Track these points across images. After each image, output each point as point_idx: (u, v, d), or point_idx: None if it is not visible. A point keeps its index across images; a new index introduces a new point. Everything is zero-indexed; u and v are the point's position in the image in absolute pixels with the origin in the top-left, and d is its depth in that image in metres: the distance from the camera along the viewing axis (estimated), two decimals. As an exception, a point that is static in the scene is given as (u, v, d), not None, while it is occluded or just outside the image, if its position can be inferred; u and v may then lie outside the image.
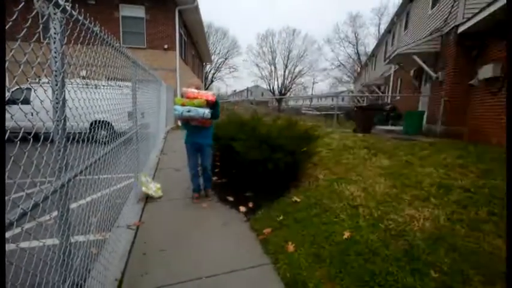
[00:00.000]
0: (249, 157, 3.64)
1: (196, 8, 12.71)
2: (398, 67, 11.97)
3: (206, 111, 3.20)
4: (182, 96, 3.36)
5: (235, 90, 64.63)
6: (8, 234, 0.92)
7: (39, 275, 1.16)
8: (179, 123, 12.99)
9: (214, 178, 4.05)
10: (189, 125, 3.42)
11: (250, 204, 3.37)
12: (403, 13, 13.02)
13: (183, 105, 3.23)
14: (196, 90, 3.33)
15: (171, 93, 11.26)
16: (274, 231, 2.69)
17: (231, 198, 3.58)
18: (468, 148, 5.02)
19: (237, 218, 3.09)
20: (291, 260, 2.19)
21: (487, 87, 6.30)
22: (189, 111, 3.18)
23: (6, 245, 0.97)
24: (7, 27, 0.91)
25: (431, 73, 8.36)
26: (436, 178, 3.44)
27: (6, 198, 0.93)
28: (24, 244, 1.09)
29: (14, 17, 0.93)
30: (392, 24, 15.10)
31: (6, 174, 0.91)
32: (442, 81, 7.85)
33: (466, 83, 7.09)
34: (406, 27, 12.58)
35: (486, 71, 6.11)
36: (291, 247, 2.36)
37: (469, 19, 6.48)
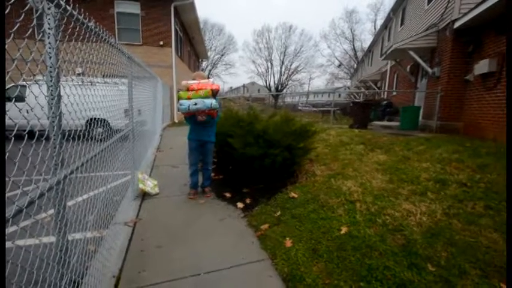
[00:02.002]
0: (246, 153, 3.64)
1: (192, 4, 12.59)
2: (394, 63, 11.99)
3: (213, 102, 3.15)
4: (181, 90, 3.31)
5: (231, 87, 64.34)
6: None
7: (36, 272, 1.15)
8: (175, 119, 12.95)
9: (211, 174, 4.04)
10: (194, 121, 3.36)
11: (248, 201, 3.38)
12: (399, 8, 13.01)
13: (188, 98, 3.15)
14: (196, 81, 3.26)
15: (166, 91, 11.19)
16: (272, 227, 2.70)
17: (228, 195, 3.58)
18: (464, 143, 5.06)
19: (234, 214, 3.10)
20: (289, 255, 2.20)
21: (482, 83, 6.35)
22: (195, 104, 3.11)
23: (3, 243, 0.96)
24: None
25: (428, 68, 8.39)
26: (432, 173, 3.47)
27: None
28: (20, 242, 1.08)
29: (7, 10, 0.91)
30: (388, 19, 15.10)
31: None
32: (438, 76, 7.89)
33: (462, 78, 7.14)
34: (402, 22, 12.58)
35: (482, 66, 6.15)
36: (288, 243, 2.37)
37: (465, 14, 6.50)
